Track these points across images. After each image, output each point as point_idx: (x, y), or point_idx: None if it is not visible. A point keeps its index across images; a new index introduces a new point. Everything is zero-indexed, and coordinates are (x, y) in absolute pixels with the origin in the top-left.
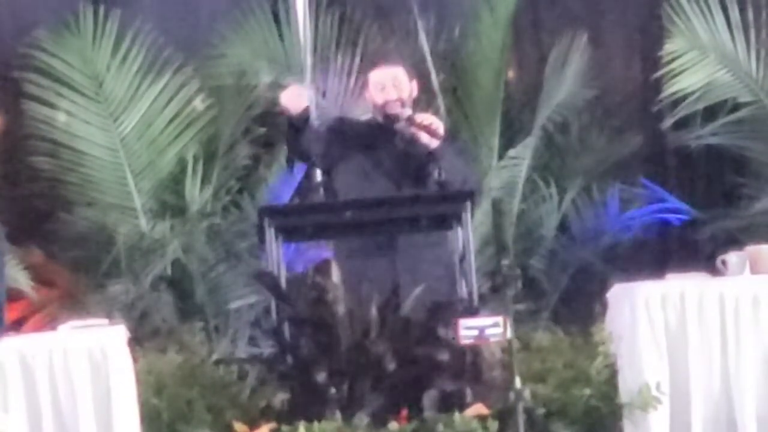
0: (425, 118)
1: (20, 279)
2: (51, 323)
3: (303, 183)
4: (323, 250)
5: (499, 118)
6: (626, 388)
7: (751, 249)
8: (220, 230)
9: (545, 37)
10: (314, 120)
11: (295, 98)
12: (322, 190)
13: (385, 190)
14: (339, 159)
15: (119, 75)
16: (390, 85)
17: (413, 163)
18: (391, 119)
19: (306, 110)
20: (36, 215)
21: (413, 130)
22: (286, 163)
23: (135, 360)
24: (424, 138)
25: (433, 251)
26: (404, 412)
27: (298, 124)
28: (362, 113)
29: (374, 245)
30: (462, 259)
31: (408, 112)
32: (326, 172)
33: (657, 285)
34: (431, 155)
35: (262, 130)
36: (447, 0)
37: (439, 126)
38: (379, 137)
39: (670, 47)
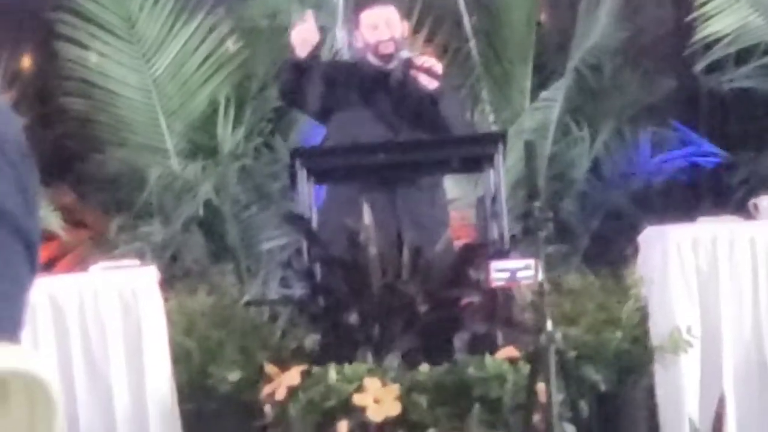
0: (424, 60)
1: (51, 220)
2: (82, 264)
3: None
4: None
5: (532, 60)
6: (657, 331)
7: None
8: (251, 172)
9: None
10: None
11: (307, 35)
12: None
13: (381, 136)
14: (334, 106)
15: (152, 16)
16: (383, 25)
17: (410, 105)
18: (384, 59)
19: (314, 51)
20: (68, 156)
21: (412, 72)
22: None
23: (166, 301)
24: (424, 80)
25: (430, 193)
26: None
27: (304, 66)
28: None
29: (373, 187)
30: (494, 201)
31: (405, 54)
32: (322, 121)
33: (688, 228)
34: (430, 97)
35: None
36: None
37: (438, 67)
38: (373, 80)
39: None
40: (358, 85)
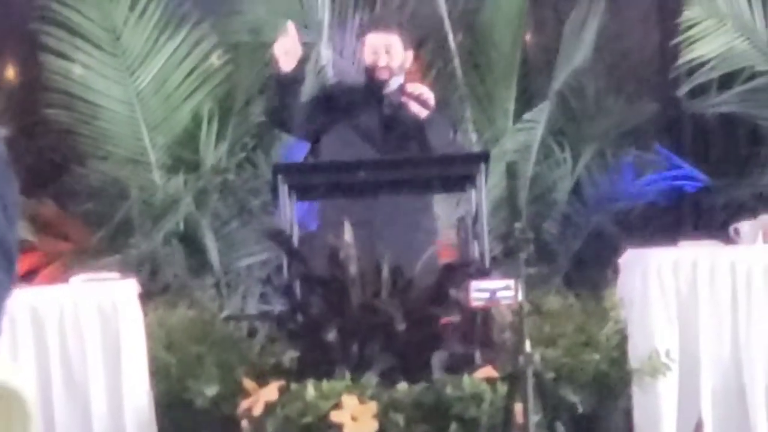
0: (417, 88)
1: (33, 231)
2: (62, 276)
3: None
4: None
5: (516, 81)
6: (636, 354)
7: (764, 218)
8: (233, 187)
9: (563, 1)
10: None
11: (290, 47)
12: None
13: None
14: (323, 128)
15: (136, 29)
16: (382, 51)
17: (399, 131)
18: (377, 84)
19: (298, 66)
20: (50, 168)
21: (404, 99)
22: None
23: (145, 314)
24: (414, 108)
25: (414, 217)
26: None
27: (289, 81)
28: None
29: (353, 211)
30: (475, 221)
31: (399, 80)
32: (312, 141)
33: (669, 252)
34: (419, 125)
35: None
36: None
37: (430, 97)
38: (366, 103)
39: (688, 14)
40: (349, 109)
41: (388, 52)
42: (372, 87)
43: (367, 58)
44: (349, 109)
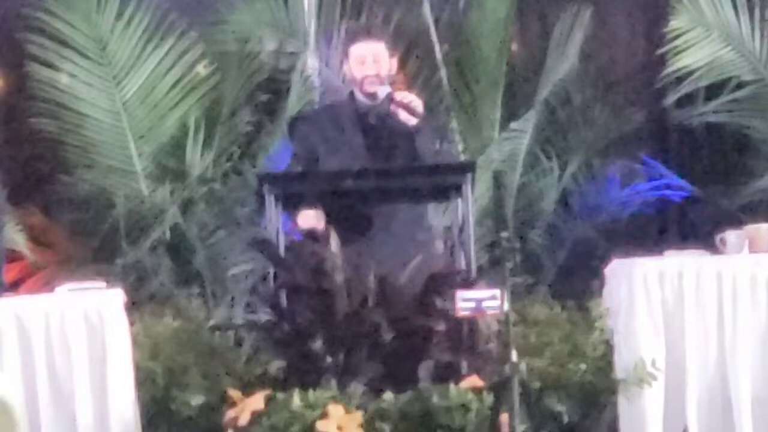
0: (405, 96)
1: (19, 240)
2: (48, 285)
3: None
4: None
5: (502, 91)
6: (622, 363)
7: (750, 227)
8: (220, 196)
9: (550, 11)
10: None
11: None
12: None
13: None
14: (318, 151)
15: (123, 38)
16: (370, 61)
17: (386, 141)
18: (369, 96)
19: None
20: (36, 177)
21: (392, 108)
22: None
23: (131, 324)
24: (403, 116)
25: (410, 230)
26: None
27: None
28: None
29: (349, 222)
30: (461, 230)
31: (387, 89)
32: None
33: (655, 261)
34: (408, 133)
35: (265, 96)
36: None
37: (419, 105)
38: (355, 115)
39: (674, 24)
40: (338, 124)
41: (375, 61)
42: (363, 98)
43: (355, 69)
44: (338, 125)
